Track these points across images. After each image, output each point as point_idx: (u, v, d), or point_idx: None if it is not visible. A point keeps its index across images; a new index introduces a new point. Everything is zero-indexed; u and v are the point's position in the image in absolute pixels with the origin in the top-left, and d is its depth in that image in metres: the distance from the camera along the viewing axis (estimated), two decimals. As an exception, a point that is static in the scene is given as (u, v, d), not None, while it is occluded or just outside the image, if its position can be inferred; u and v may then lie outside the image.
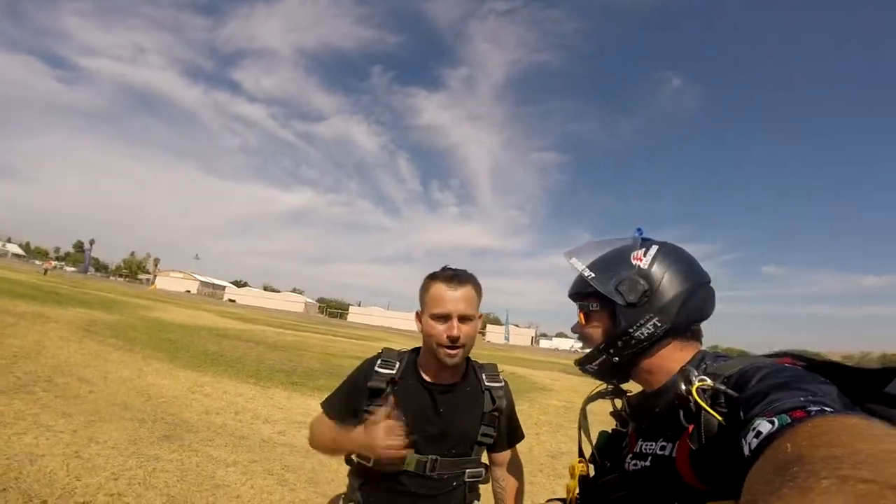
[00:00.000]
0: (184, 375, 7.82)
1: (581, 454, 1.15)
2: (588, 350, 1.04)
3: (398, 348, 1.60)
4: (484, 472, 1.54)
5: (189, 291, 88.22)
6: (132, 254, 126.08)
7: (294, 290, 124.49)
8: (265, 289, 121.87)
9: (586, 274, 1.02)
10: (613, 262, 1.01)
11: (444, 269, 1.50)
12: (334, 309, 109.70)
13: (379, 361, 1.51)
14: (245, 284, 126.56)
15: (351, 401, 1.51)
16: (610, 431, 1.13)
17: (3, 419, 4.15)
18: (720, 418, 0.70)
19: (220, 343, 12.89)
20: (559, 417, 8.91)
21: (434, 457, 1.41)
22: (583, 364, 1.05)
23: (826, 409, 0.53)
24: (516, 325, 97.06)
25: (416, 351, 1.57)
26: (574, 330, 1.10)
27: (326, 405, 1.57)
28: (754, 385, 0.67)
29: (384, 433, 1.31)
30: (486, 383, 1.53)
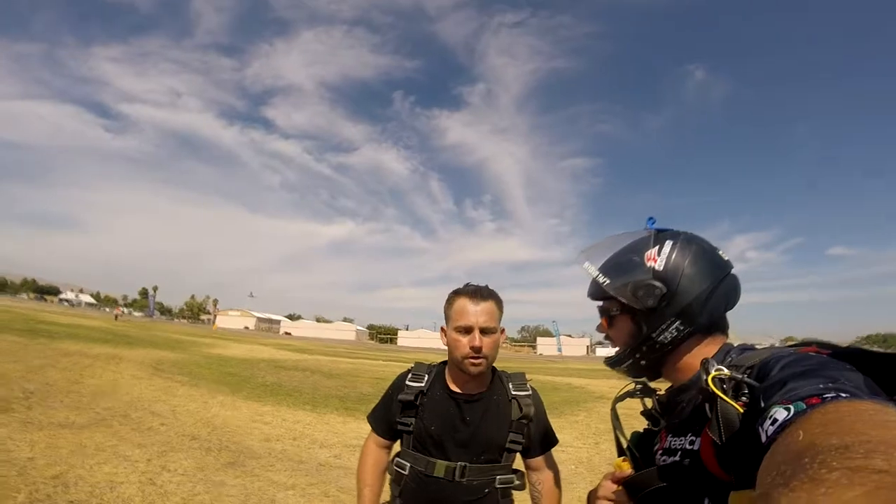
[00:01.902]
0: (245, 406, 8.17)
1: (621, 452, 1.12)
2: (617, 349, 1.04)
3: (429, 362, 1.69)
4: (518, 479, 1.57)
5: (247, 328, 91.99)
6: (192, 296, 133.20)
7: (345, 319, 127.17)
8: (318, 320, 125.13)
9: (601, 280, 0.99)
10: (627, 264, 0.98)
11: (467, 285, 1.58)
12: (384, 334, 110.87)
13: (410, 375, 1.61)
14: (299, 317, 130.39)
15: (387, 414, 1.63)
16: (642, 431, 1.11)
17: (85, 451, 4.51)
18: (740, 408, 0.69)
19: (278, 374, 13.34)
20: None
21: (463, 463, 1.48)
22: (613, 364, 1.04)
23: (841, 394, 0.52)
24: (569, 336, 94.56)
25: (444, 363, 1.65)
26: (599, 331, 1.10)
27: (371, 418, 1.71)
28: (775, 374, 0.66)
29: None
30: (513, 392, 1.57)
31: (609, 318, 1.02)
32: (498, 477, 1.52)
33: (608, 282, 0.98)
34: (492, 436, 1.52)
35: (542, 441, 1.63)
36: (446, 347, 1.58)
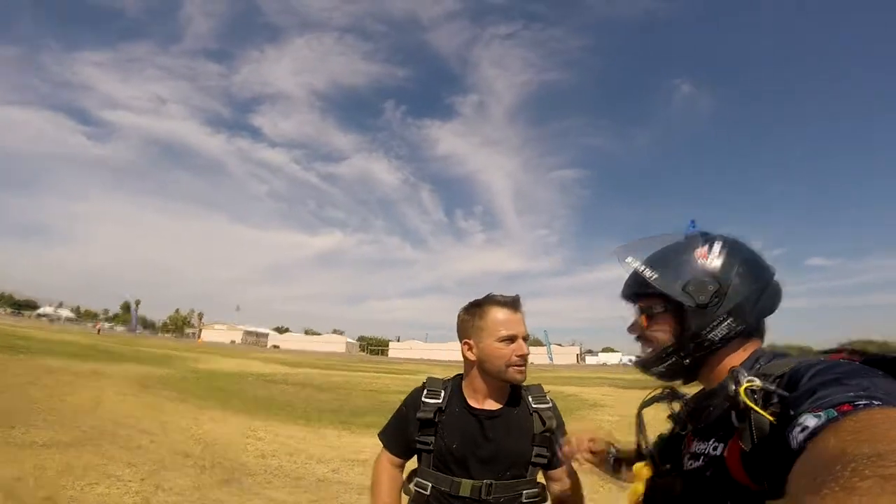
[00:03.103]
0: (237, 421, 7.95)
1: (642, 457, 1.10)
2: (649, 351, 1.00)
3: (441, 377, 1.63)
4: (541, 491, 1.53)
5: (234, 342, 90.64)
6: (177, 310, 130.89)
7: (334, 332, 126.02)
8: (306, 332, 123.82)
9: (648, 274, 0.95)
10: (676, 261, 0.95)
11: (490, 296, 1.55)
12: (375, 346, 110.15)
13: (425, 392, 1.54)
14: (287, 330, 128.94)
15: (403, 432, 1.55)
16: (667, 434, 1.09)
17: (74, 471, 4.30)
18: (771, 418, 0.68)
19: (269, 388, 13.09)
20: (615, 432, 8.59)
21: (489, 481, 1.42)
22: (648, 365, 0.99)
23: (874, 402, 0.51)
24: (559, 345, 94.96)
25: (458, 378, 1.59)
26: (632, 331, 1.05)
27: (383, 437, 1.62)
28: (805, 383, 0.65)
29: None
30: (534, 406, 1.55)
31: (650, 316, 0.98)
32: (524, 492, 1.47)
33: (657, 276, 0.94)
34: (516, 451, 1.48)
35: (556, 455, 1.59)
36: (464, 360, 1.54)
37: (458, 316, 1.58)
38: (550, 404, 1.57)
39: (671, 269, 0.94)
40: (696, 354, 0.92)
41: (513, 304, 1.52)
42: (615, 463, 1.26)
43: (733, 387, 0.76)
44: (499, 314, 1.49)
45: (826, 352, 0.79)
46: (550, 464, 1.56)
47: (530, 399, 1.56)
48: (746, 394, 0.72)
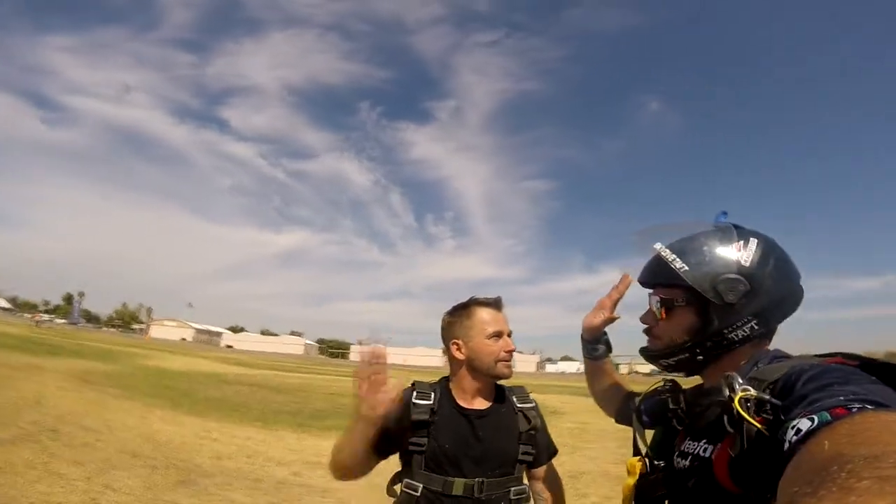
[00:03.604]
0: (189, 421, 7.63)
1: (637, 452, 1.09)
2: (660, 343, 0.98)
3: (428, 380, 1.65)
4: (527, 489, 1.58)
5: (184, 339, 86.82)
6: (124, 304, 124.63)
7: (293, 333, 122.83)
8: (263, 333, 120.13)
9: (678, 265, 0.91)
10: (709, 254, 0.91)
11: (474, 298, 1.63)
12: (335, 349, 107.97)
13: (415, 393, 1.54)
14: (242, 330, 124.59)
15: (387, 430, 1.50)
16: (662, 429, 1.07)
17: (14, 468, 4.00)
18: (762, 427, 0.67)
19: (222, 388, 12.63)
20: (574, 439, 8.76)
21: (480, 479, 1.45)
22: (658, 357, 0.98)
23: (867, 406, 0.51)
24: (520, 353, 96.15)
25: (444, 380, 1.63)
26: (645, 321, 1.02)
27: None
28: (799, 388, 0.65)
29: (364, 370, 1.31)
30: (518, 405, 1.61)
31: (668, 308, 0.95)
32: (512, 489, 1.51)
33: (686, 269, 0.90)
34: (505, 449, 1.52)
35: (546, 451, 1.66)
36: (451, 361, 1.59)
37: (443, 320, 1.63)
38: (534, 404, 1.64)
39: (703, 261, 0.90)
40: (713, 352, 0.90)
41: (496, 303, 1.62)
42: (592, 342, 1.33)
43: (727, 392, 0.75)
44: (484, 314, 1.57)
45: (822, 356, 0.78)
46: (535, 462, 1.61)
47: (515, 399, 1.61)
48: (741, 404, 0.71)
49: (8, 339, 16.93)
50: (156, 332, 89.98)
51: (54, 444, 5.00)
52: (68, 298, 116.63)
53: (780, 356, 0.85)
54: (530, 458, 1.57)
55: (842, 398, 0.54)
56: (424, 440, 1.47)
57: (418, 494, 1.44)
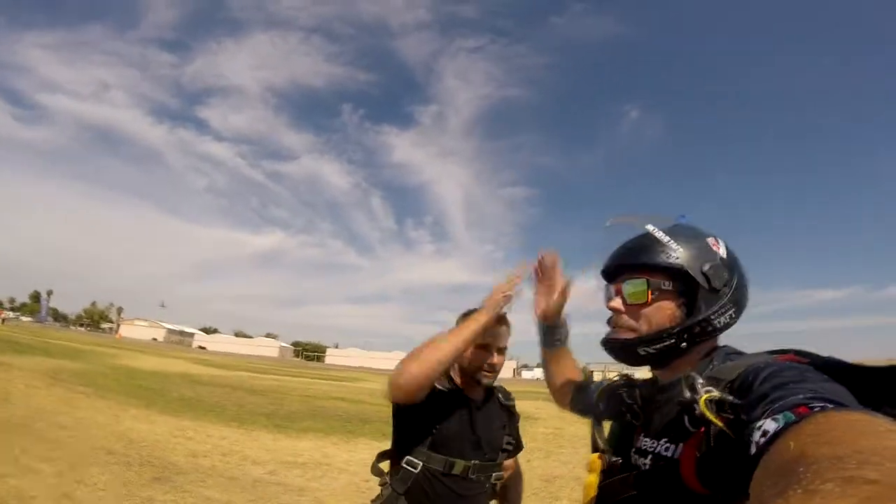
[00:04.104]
0: (163, 420, 7.51)
1: (595, 448, 1.08)
2: (637, 329, 0.94)
3: None
4: (503, 476, 1.76)
5: (155, 339, 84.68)
6: (93, 303, 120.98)
7: (267, 335, 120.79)
8: (236, 335, 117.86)
9: (673, 247, 0.91)
10: (696, 242, 0.92)
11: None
12: (310, 352, 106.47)
13: None
14: (215, 331, 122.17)
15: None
16: (619, 425, 1.07)
17: (-16, 463, 3.92)
18: (724, 426, 0.68)
19: (196, 389, 12.41)
20: (548, 444, 8.91)
21: (475, 462, 1.60)
22: (639, 345, 0.92)
23: (828, 405, 0.52)
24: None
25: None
26: (616, 307, 0.97)
27: None
28: (757, 387, 0.65)
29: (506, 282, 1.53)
30: (504, 402, 1.80)
31: (655, 291, 0.92)
32: (493, 474, 1.68)
33: (681, 249, 0.90)
34: (495, 438, 1.69)
35: (518, 445, 1.85)
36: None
37: (458, 319, 1.69)
38: (513, 401, 1.84)
39: (693, 247, 0.91)
40: (696, 339, 0.89)
41: (498, 318, 1.61)
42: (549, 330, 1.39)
43: (688, 394, 0.75)
44: None
45: (775, 352, 0.78)
46: (511, 453, 1.80)
47: (500, 396, 1.80)
48: (706, 405, 0.70)
49: (-29, 336, 16.36)
50: (126, 331, 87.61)
51: (25, 440, 4.90)
52: (36, 297, 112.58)
53: (733, 353, 0.87)
54: (511, 448, 1.76)
55: (801, 396, 0.55)
56: (433, 420, 1.58)
57: (416, 472, 1.54)
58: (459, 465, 1.57)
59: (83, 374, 11.87)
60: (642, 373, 1.09)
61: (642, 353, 0.92)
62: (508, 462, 1.81)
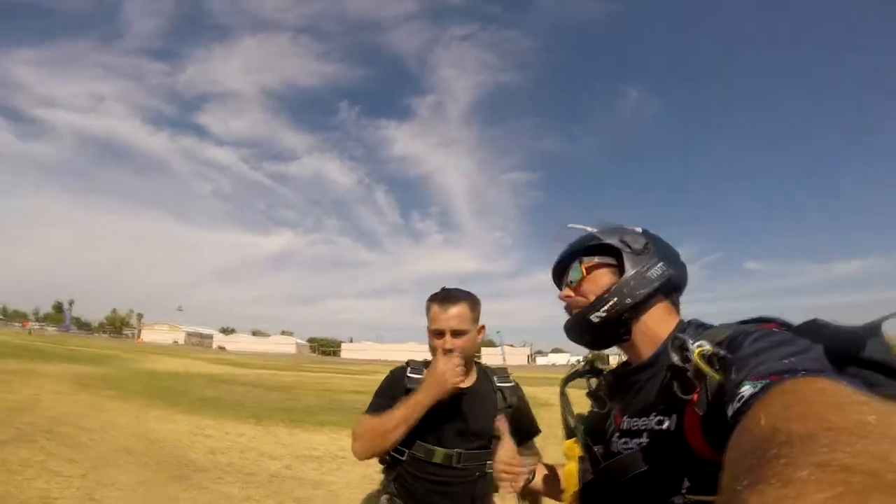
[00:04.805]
0: (184, 420, 7.71)
1: (570, 435, 1.12)
2: (583, 302, 1.01)
3: (420, 360, 1.77)
4: None
5: (176, 342, 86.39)
6: (114, 310, 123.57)
7: (283, 333, 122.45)
8: (254, 334, 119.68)
9: (590, 229, 1.04)
10: (613, 226, 1.04)
11: (442, 289, 1.71)
12: (326, 347, 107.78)
13: (409, 369, 1.70)
14: (233, 331, 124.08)
15: (391, 402, 1.62)
16: (586, 414, 1.11)
17: (10, 466, 4.12)
18: (720, 378, 0.68)
19: (217, 388, 12.69)
20: (561, 430, 8.93)
21: (459, 450, 1.59)
22: (587, 313, 0.97)
23: (800, 371, 0.53)
24: (511, 345, 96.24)
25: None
26: (565, 295, 1.06)
27: (370, 411, 1.67)
28: (746, 347, 0.67)
29: (443, 363, 1.52)
30: (498, 384, 1.73)
31: (589, 267, 1.03)
32: (488, 462, 1.59)
33: (596, 230, 1.04)
34: (483, 425, 1.63)
35: (526, 430, 1.75)
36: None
37: (426, 304, 1.73)
38: (513, 384, 1.76)
39: (609, 228, 1.04)
40: (636, 292, 0.94)
41: (441, 299, 1.66)
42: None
43: (676, 357, 0.76)
44: (432, 309, 1.65)
45: (757, 320, 0.79)
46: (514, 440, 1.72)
47: (495, 378, 1.75)
48: (701, 357, 0.71)
49: (1, 347, 16.90)
50: (147, 335, 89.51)
51: (50, 444, 5.10)
52: (58, 307, 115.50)
53: (704, 325, 0.89)
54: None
55: (786, 361, 0.57)
56: None
57: (404, 459, 1.59)
58: (440, 454, 1.58)
59: (107, 378, 12.20)
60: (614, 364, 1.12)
61: (596, 319, 0.96)
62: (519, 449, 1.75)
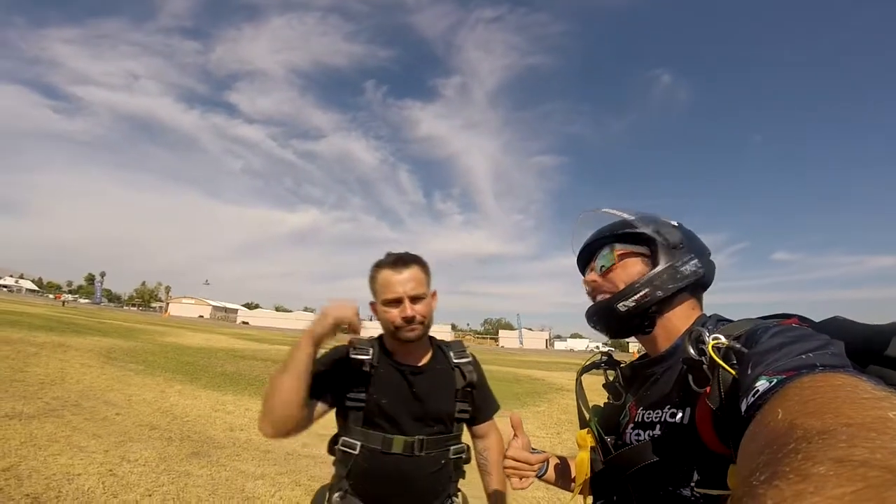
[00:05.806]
0: (205, 395, 7.93)
1: (583, 425, 1.10)
2: (603, 294, 1.00)
3: (367, 337, 1.55)
4: (467, 451, 1.57)
5: (202, 316, 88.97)
6: (143, 283, 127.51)
7: (305, 309, 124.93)
8: (277, 309, 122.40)
9: (626, 215, 1.01)
10: (649, 215, 1.01)
11: (388, 255, 1.52)
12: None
13: (351, 349, 1.48)
14: (257, 306, 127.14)
15: (326, 385, 1.43)
16: (602, 405, 1.10)
17: (37, 441, 4.26)
18: (735, 373, 0.67)
19: (238, 363, 13.00)
20: (576, 416, 8.90)
21: (421, 437, 1.43)
22: (615, 302, 0.95)
23: (818, 367, 0.52)
24: (529, 329, 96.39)
25: (381, 337, 1.57)
26: (591, 280, 1.03)
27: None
28: (764, 342, 0.66)
29: (333, 305, 1.35)
30: (455, 360, 1.55)
31: (619, 256, 0.99)
32: (451, 447, 1.50)
33: (634, 218, 1.00)
34: (442, 407, 1.49)
35: (486, 407, 1.62)
36: (378, 322, 1.52)
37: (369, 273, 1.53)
38: (470, 359, 1.58)
39: (644, 216, 1.01)
40: (667, 286, 0.92)
41: (395, 263, 1.46)
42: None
43: (692, 350, 0.75)
44: (384, 276, 1.45)
45: (778, 316, 0.79)
46: (474, 419, 1.59)
47: (452, 354, 1.57)
48: (714, 351, 0.72)
49: (35, 319, 17.55)
50: (174, 309, 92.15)
51: (76, 419, 5.28)
52: (90, 279, 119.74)
53: (725, 320, 0.88)
54: (467, 416, 1.54)
55: (803, 357, 0.56)
56: (363, 395, 1.43)
57: (356, 452, 1.40)
58: (399, 442, 1.40)
59: (134, 352, 12.58)
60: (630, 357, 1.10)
61: (623, 308, 0.95)
62: (479, 429, 1.61)
